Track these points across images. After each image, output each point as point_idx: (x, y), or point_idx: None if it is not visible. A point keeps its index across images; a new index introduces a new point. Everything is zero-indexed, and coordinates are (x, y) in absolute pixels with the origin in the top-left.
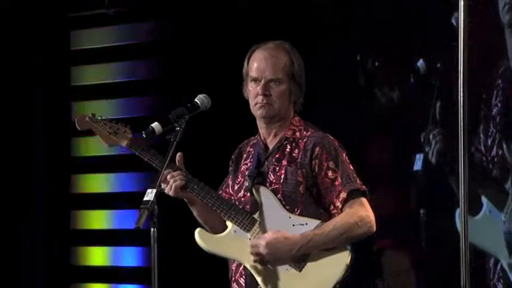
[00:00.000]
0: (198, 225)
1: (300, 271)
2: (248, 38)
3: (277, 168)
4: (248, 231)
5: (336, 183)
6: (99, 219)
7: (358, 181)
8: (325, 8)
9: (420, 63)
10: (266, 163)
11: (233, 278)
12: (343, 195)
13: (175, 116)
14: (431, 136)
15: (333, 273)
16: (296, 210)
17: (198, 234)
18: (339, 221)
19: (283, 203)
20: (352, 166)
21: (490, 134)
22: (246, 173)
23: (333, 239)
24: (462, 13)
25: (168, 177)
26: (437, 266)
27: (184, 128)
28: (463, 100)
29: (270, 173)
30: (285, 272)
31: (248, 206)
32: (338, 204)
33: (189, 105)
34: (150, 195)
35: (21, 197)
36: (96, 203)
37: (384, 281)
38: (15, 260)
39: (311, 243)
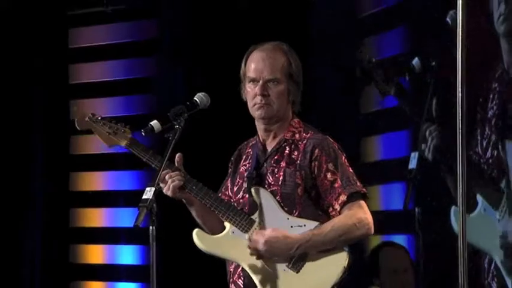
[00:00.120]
0: (197, 224)
1: (297, 272)
2: (248, 38)
3: (276, 170)
4: (246, 232)
5: (336, 185)
6: (98, 217)
7: (358, 183)
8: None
9: (415, 61)
10: (265, 165)
11: (231, 280)
12: (342, 197)
13: (174, 114)
14: (427, 133)
15: (330, 275)
16: (294, 212)
17: (196, 235)
18: (337, 222)
19: (282, 204)
20: (351, 167)
21: (485, 136)
22: (245, 174)
23: (331, 240)
24: (460, 12)
25: (167, 177)
26: (433, 265)
27: (183, 126)
28: (461, 98)
29: (268, 174)
30: (283, 273)
31: (247, 208)
32: (337, 206)
33: (188, 103)
34: (149, 193)
35: (21, 196)
36: (95, 201)
37: (380, 280)
38: (15, 257)
39: (309, 243)
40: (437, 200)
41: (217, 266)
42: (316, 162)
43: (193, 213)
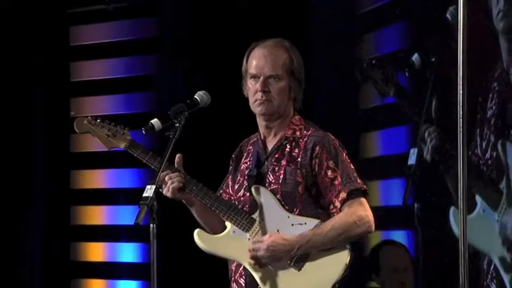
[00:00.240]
0: (198, 222)
1: (299, 270)
2: (248, 37)
3: (277, 168)
4: (247, 231)
5: (336, 182)
6: (98, 215)
7: (358, 180)
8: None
9: (415, 57)
10: (266, 163)
11: (233, 278)
12: (342, 195)
13: (174, 112)
14: (426, 134)
15: (332, 273)
16: (295, 210)
17: (197, 235)
18: (337, 220)
19: (282, 203)
20: (352, 163)
21: (485, 136)
22: (246, 172)
23: (332, 238)
24: (461, 9)
25: (166, 178)
26: (433, 265)
27: (183, 125)
28: (462, 96)
29: (269, 173)
30: (284, 272)
31: (247, 206)
32: (337, 204)
33: (188, 101)
34: (149, 191)
35: (21, 195)
36: (96, 199)
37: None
38: (16, 256)
39: (310, 243)
40: (437, 196)
41: (218, 264)
42: (317, 160)
43: (194, 213)
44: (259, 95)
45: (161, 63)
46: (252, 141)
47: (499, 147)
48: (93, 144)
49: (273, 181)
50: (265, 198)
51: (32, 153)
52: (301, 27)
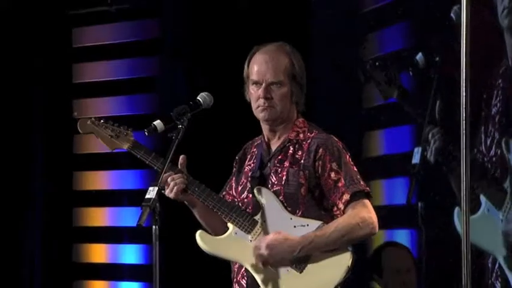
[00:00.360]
0: (200, 224)
1: (300, 272)
2: (249, 37)
3: (279, 169)
4: (249, 232)
5: (339, 184)
6: (101, 217)
7: (361, 182)
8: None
9: (419, 56)
10: (269, 164)
11: (235, 279)
12: (346, 197)
13: (177, 113)
14: (430, 135)
15: (334, 275)
16: (298, 211)
17: (199, 236)
18: (340, 222)
19: (285, 204)
20: (354, 164)
21: (489, 133)
22: (249, 174)
23: (335, 240)
24: (465, 8)
25: (169, 180)
26: (436, 264)
27: (186, 126)
28: (465, 97)
29: (272, 174)
30: (286, 273)
31: (250, 207)
32: (341, 205)
33: (191, 103)
34: (152, 192)
35: (21, 195)
36: (99, 200)
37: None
38: (16, 256)
39: (312, 244)
40: (441, 195)
41: (220, 265)
42: (320, 162)
43: (196, 215)
44: (261, 101)
45: (163, 65)
46: (256, 143)
47: (503, 144)
48: (96, 145)
49: (276, 182)
50: (268, 199)
51: (32, 153)
52: (302, 27)
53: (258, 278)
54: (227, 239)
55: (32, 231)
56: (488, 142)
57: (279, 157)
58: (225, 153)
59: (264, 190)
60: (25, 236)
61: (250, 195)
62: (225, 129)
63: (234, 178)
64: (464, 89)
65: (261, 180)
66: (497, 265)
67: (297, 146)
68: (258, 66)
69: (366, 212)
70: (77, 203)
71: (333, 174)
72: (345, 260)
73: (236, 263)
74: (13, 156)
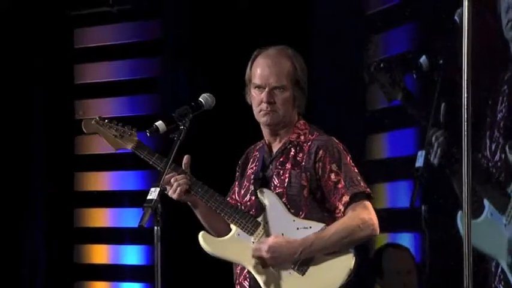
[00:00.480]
0: (202, 225)
1: (302, 275)
2: (249, 39)
3: (281, 172)
4: (251, 234)
5: (339, 186)
6: (102, 217)
7: (362, 184)
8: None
9: (423, 59)
10: (271, 167)
11: (237, 281)
12: (345, 198)
13: (179, 114)
14: (433, 138)
15: (336, 277)
16: (300, 213)
17: (201, 238)
18: (341, 224)
19: (288, 206)
20: (355, 165)
21: (494, 139)
22: (252, 177)
23: (335, 242)
24: (466, 12)
25: (172, 180)
26: (439, 267)
27: (188, 127)
28: (466, 100)
29: (274, 176)
30: (288, 276)
31: (253, 210)
32: (341, 207)
33: (193, 104)
34: (153, 193)
35: (21, 196)
36: (100, 201)
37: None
38: (18, 258)
39: (313, 247)
40: (444, 199)
41: (223, 266)
42: (320, 163)
43: (199, 216)
44: (264, 105)
45: (165, 66)
46: (258, 147)
47: (507, 149)
48: (98, 146)
49: (278, 185)
50: (271, 201)
51: (32, 153)
52: (303, 27)
53: (260, 280)
54: (229, 241)
55: (32, 231)
56: (493, 147)
57: (281, 159)
58: (226, 154)
59: (266, 192)
60: (25, 236)
61: (253, 198)
62: (227, 130)
63: (237, 183)
64: (465, 90)
65: (263, 182)
66: (500, 269)
67: (298, 148)
68: (261, 70)
69: (366, 214)
70: (78, 204)
71: (333, 176)
72: (347, 262)
73: (238, 265)
74: (13, 156)
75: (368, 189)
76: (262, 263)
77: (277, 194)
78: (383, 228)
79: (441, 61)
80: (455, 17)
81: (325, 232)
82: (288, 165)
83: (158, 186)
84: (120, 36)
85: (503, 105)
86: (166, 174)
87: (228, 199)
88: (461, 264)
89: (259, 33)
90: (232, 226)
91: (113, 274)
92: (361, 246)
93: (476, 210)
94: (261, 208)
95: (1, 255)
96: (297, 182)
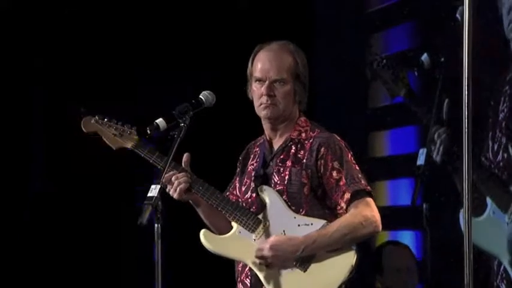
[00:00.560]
0: (203, 223)
1: (304, 271)
2: (249, 39)
3: (282, 169)
4: (253, 231)
5: (341, 183)
6: None
7: (362, 181)
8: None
9: (424, 57)
10: (271, 164)
11: (239, 279)
12: (347, 195)
13: (179, 112)
14: (436, 135)
15: (338, 274)
16: (301, 210)
17: (203, 235)
18: (343, 221)
19: (289, 203)
20: (356, 162)
21: (496, 139)
22: (252, 173)
23: (338, 239)
24: (467, 11)
25: (173, 179)
26: (440, 265)
27: (188, 124)
28: (467, 97)
29: (274, 174)
30: (290, 272)
31: (254, 207)
32: (343, 204)
33: (193, 101)
34: (154, 191)
35: (21, 196)
36: None
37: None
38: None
39: (315, 244)
40: (446, 196)
41: (224, 264)
42: (322, 161)
43: (200, 214)
44: (264, 98)
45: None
46: (258, 143)
47: (510, 149)
48: None
49: (279, 182)
50: (272, 198)
51: (32, 153)
52: (303, 27)
53: (262, 277)
54: (231, 238)
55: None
56: (496, 147)
57: (281, 156)
58: (227, 152)
59: (267, 189)
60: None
61: (254, 195)
62: (227, 127)
63: (237, 178)
64: (466, 88)
65: (264, 179)
66: (502, 267)
67: (299, 145)
68: (262, 64)
69: (368, 211)
70: None
71: (334, 173)
72: (349, 259)
73: (240, 263)
74: (13, 156)
75: (368, 187)
76: (265, 262)
77: (278, 191)
78: (384, 226)
79: (442, 59)
80: (457, 15)
81: (328, 229)
82: (289, 163)
83: (159, 184)
84: None
85: (505, 105)
86: (166, 173)
87: (228, 194)
88: (462, 262)
89: (259, 33)
90: (234, 224)
91: None
92: (362, 243)
93: (479, 209)
94: (262, 205)
95: (1, 256)
96: (297, 179)
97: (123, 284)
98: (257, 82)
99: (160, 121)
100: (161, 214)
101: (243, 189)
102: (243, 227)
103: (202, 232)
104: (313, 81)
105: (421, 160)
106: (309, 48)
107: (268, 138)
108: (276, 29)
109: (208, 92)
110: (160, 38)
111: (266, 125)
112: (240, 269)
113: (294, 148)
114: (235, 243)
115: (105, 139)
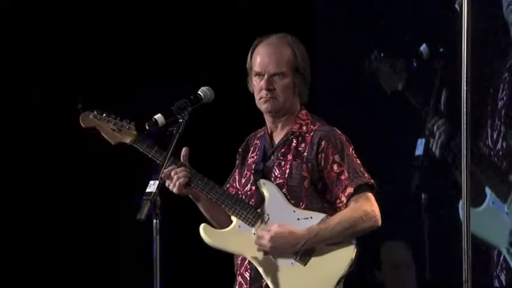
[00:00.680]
0: (203, 217)
1: (304, 265)
2: (248, 38)
3: (283, 162)
4: (253, 225)
5: (342, 177)
6: None
7: (365, 175)
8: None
9: (423, 47)
10: (272, 157)
11: (238, 272)
12: (349, 190)
13: (178, 108)
14: (435, 128)
15: (337, 268)
16: (301, 204)
17: (202, 230)
18: (344, 215)
19: (288, 197)
20: (359, 157)
21: (496, 127)
22: (253, 166)
23: (338, 233)
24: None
25: (172, 173)
26: (438, 257)
27: (187, 120)
28: (466, 92)
29: (275, 167)
30: (290, 266)
31: (254, 200)
32: (344, 198)
33: (192, 97)
34: (152, 186)
35: (20, 196)
36: None
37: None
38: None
39: (316, 237)
40: (444, 188)
41: (223, 258)
42: (323, 154)
43: (200, 208)
44: (263, 92)
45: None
46: (259, 135)
47: (509, 136)
48: None
49: (279, 176)
50: (271, 192)
51: (32, 153)
52: (303, 27)
53: (262, 271)
54: (231, 232)
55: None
56: (495, 136)
57: (282, 150)
58: (225, 148)
59: (267, 183)
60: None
61: (254, 188)
62: (228, 123)
63: (237, 170)
64: (465, 80)
65: (264, 173)
66: (502, 257)
67: (300, 138)
68: (261, 58)
69: (368, 206)
70: None
71: (335, 167)
72: (349, 252)
73: (239, 256)
74: (13, 156)
75: (371, 180)
76: (263, 252)
77: (278, 184)
78: (382, 218)
79: (441, 49)
80: (456, 5)
81: (329, 223)
82: (290, 156)
83: (157, 179)
84: None
85: (504, 93)
86: (165, 168)
87: (227, 186)
88: (461, 254)
89: (259, 33)
90: (233, 218)
91: None
92: (362, 237)
93: (478, 199)
94: (261, 198)
95: (1, 256)
96: (298, 173)
97: (122, 279)
98: (256, 76)
99: (158, 117)
100: (160, 210)
101: (243, 181)
102: (242, 221)
103: (201, 226)
104: (314, 75)
105: (419, 150)
106: (309, 48)
107: (269, 131)
108: (276, 29)
109: (207, 87)
110: (160, 37)
111: (268, 119)
112: (239, 262)
113: (295, 141)
114: (235, 237)
115: (103, 134)
